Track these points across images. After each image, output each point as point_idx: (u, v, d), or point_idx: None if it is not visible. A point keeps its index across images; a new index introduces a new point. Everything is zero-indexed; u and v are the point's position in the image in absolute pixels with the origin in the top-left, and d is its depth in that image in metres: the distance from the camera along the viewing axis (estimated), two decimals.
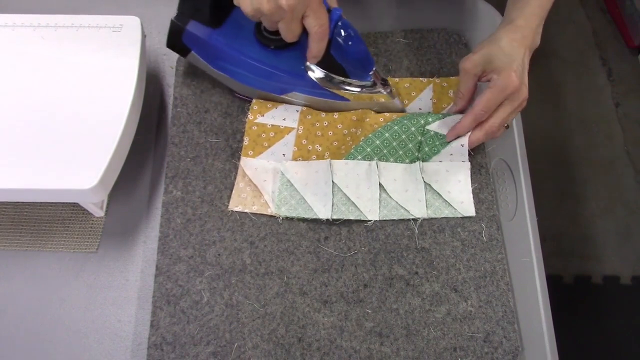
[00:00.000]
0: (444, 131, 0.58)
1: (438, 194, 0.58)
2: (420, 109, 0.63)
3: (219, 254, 0.56)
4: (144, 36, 0.61)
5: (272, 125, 0.61)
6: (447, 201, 0.57)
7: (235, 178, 0.60)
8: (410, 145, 0.59)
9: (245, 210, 0.58)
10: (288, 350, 0.53)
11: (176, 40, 0.59)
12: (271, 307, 0.54)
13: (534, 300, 0.56)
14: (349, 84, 0.58)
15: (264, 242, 0.57)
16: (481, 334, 0.53)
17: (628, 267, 1.29)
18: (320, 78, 0.58)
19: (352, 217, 0.57)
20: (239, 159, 0.61)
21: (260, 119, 0.61)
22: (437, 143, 0.58)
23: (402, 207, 0.57)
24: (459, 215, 0.57)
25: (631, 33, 1.50)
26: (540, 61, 1.49)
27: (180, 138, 0.62)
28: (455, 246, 0.57)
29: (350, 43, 0.54)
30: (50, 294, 0.56)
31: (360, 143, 0.59)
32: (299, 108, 0.62)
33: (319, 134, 0.60)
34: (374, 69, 0.57)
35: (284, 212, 0.57)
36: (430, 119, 0.59)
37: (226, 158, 0.61)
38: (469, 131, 0.56)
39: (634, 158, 1.41)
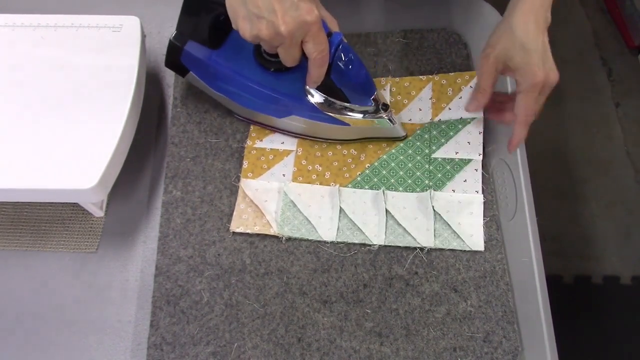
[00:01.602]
0: (451, 155, 0.59)
1: (448, 224, 0.56)
2: (420, 109, 0.63)
3: (218, 254, 0.56)
4: (143, 36, 0.61)
5: (271, 149, 0.61)
6: (456, 232, 0.56)
7: (235, 178, 0.60)
8: (419, 174, 0.58)
9: (247, 231, 0.57)
10: (288, 350, 0.53)
11: (174, 60, 0.58)
12: (271, 307, 0.54)
13: (533, 300, 0.55)
14: (350, 109, 0.56)
15: (263, 242, 0.57)
16: (481, 334, 0.53)
17: (628, 267, 1.28)
18: (320, 103, 0.56)
19: (356, 241, 0.56)
20: (239, 158, 0.61)
21: (259, 144, 0.61)
22: (448, 167, 0.58)
23: (409, 234, 0.56)
24: (467, 249, 0.56)
25: (631, 33, 1.50)
26: None
27: (180, 138, 0.62)
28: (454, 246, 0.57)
29: (350, 67, 0.53)
30: (50, 294, 0.56)
31: (366, 172, 0.59)
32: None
33: (318, 154, 0.61)
34: (375, 93, 0.56)
35: (287, 232, 0.57)
36: (434, 147, 0.59)
37: (226, 158, 0.61)
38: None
39: (634, 158, 1.41)
